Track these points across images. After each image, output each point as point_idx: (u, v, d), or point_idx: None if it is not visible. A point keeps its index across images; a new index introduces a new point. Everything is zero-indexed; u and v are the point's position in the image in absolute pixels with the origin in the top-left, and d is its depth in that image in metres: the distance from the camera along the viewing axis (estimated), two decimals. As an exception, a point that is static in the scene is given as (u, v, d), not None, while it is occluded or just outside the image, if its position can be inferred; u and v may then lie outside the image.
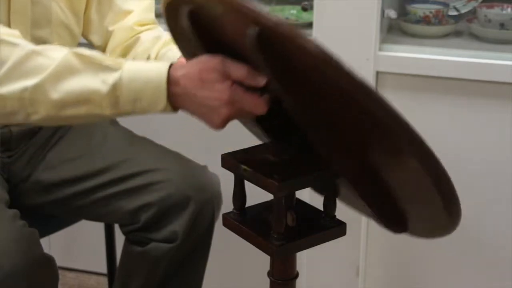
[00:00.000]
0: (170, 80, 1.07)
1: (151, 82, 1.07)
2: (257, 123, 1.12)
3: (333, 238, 1.12)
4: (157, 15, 1.50)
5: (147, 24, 1.49)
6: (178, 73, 1.07)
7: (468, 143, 1.74)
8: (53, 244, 2.03)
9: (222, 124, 1.08)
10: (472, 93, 1.72)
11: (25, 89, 1.08)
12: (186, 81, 1.07)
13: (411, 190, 0.99)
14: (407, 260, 1.88)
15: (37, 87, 1.08)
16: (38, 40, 1.32)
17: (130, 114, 1.11)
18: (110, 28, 1.47)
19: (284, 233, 1.06)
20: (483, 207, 1.78)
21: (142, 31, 1.47)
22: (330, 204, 1.10)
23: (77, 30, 1.43)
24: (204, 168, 1.46)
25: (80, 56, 1.09)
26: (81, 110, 1.09)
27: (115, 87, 1.07)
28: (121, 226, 1.48)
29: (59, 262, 1.36)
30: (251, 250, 1.15)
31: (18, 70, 1.08)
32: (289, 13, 2.02)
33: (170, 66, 1.09)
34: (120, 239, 1.55)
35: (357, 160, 1.01)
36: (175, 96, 1.08)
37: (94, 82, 1.08)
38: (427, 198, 0.96)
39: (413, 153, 0.91)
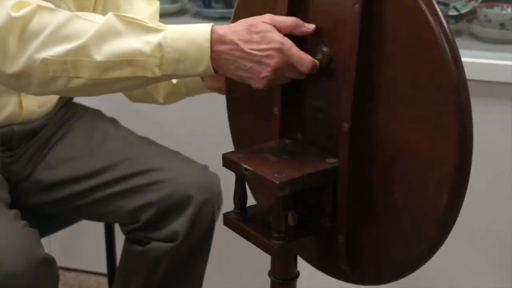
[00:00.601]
0: (214, 39, 1.07)
1: (194, 41, 1.07)
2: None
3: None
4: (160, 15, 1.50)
5: None
6: (223, 31, 1.07)
7: (468, 143, 1.74)
8: (53, 244, 2.03)
9: (269, 77, 1.07)
10: (472, 93, 1.71)
11: (68, 52, 1.07)
12: (233, 36, 1.07)
13: None
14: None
15: (80, 49, 1.07)
16: None
17: (172, 77, 1.11)
18: None
19: (285, 233, 1.06)
20: (483, 207, 1.78)
21: None
22: (330, 204, 1.11)
23: None
24: (205, 167, 1.46)
25: (122, 18, 1.08)
26: (124, 72, 1.08)
27: (158, 48, 1.07)
28: (121, 226, 1.48)
29: (59, 262, 1.36)
30: (252, 250, 1.15)
31: (60, 33, 1.07)
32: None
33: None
34: (120, 239, 1.55)
35: None
36: (219, 55, 1.07)
37: (138, 43, 1.07)
38: None
39: None
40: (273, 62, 1.05)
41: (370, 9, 0.99)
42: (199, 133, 1.90)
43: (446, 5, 1.87)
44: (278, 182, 1.01)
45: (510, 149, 1.72)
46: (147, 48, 1.07)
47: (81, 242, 2.12)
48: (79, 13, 1.10)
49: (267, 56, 1.05)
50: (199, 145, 1.83)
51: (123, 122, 1.57)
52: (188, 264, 1.44)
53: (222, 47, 1.07)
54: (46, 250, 1.27)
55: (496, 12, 1.82)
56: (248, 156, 1.09)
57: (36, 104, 1.42)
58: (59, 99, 1.49)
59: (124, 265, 1.50)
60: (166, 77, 1.10)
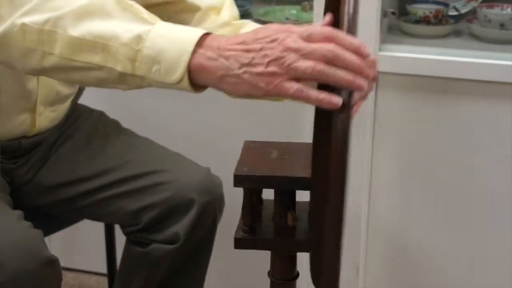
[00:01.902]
0: (203, 43, 0.94)
1: (177, 41, 0.95)
2: None
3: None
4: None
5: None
6: (217, 38, 0.95)
7: (468, 143, 1.74)
8: (53, 244, 2.03)
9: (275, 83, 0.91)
10: (472, 93, 1.72)
11: (47, 21, 0.99)
12: (227, 41, 0.93)
13: None
14: (407, 260, 1.88)
15: (58, 20, 0.98)
16: None
17: (143, 83, 0.98)
18: None
19: (250, 228, 1.07)
20: (483, 207, 1.78)
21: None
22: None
23: None
24: (207, 170, 1.45)
25: (120, 2, 1.00)
26: (96, 58, 0.98)
27: (137, 39, 0.96)
28: (122, 227, 1.48)
29: (59, 262, 1.36)
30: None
31: (50, 3, 1.00)
32: (289, 13, 2.02)
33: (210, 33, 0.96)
34: (120, 239, 1.55)
35: None
36: (205, 63, 0.93)
37: (119, 28, 0.97)
38: None
39: None
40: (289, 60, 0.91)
41: None
42: (201, 135, 1.90)
43: (446, 5, 1.87)
44: (235, 173, 1.02)
45: (510, 149, 1.72)
46: (125, 36, 0.96)
47: (81, 242, 2.12)
48: None
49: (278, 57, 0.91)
50: (201, 147, 1.83)
51: (126, 123, 1.57)
52: (189, 266, 1.44)
53: (209, 53, 0.93)
54: (46, 250, 1.27)
55: (496, 12, 1.82)
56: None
57: (48, 121, 1.42)
58: (68, 110, 1.49)
59: (125, 266, 1.50)
60: (137, 80, 0.98)
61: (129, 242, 1.47)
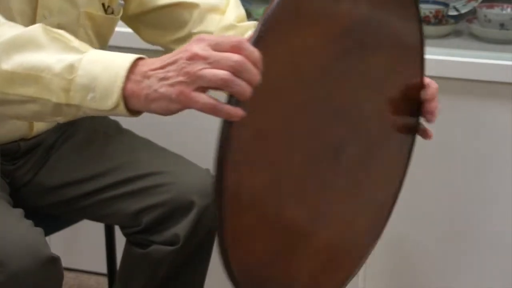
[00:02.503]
0: (135, 69, 0.95)
1: (110, 67, 0.95)
2: None
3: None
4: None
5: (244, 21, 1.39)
6: (148, 61, 0.96)
7: (468, 143, 1.75)
8: (53, 244, 2.02)
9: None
10: (472, 93, 1.72)
11: None
12: (153, 63, 0.94)
13: None
14: (407, 260, 1.88)
15: None
16: None
17: (79, 110, 0.98)
18: (194, 30, 1.39)
19: None
20: (483, 207, 1.78)
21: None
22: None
23: None
24: (207, 171, 1.45)
25: (49, 32, 1.00)
26: (29, 90, 0.98)
27: (69, 69, 0.96)
28: (122, 228, 1.48)
29: (59, 262, 1.36)
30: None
31: None
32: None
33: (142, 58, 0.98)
34: (120, 239, 1.55)
35: None
36: (134, 87, 0.94)
37: (50, 59, 0.97)
38: None
39: None
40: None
41: None
42: (201, 137, 1.89)
43: (446, 5, 1.87)
44: None
45: (510, 149, 1.72)
46: (57, 66, 0.97)
47: (81, 242, 2.12)
48: (11, 23, 1.02)
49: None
50: (202, 148, 1.82)
51: (126, 124, 1.57)
52: (189, 268, 1.44)
53: (138, 77, 0.94)
54: (46, 250, 1.27)
55: (496, 12, 1.82)
56: None
57: (45, 123, 1.42)
58: None
59: (125, 267, 1.50)
60: (72, 109, 0.98)
61: (129, 243, 1.47)
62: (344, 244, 1.17)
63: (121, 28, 1.46)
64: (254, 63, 0.90)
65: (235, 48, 0.90)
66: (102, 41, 1.39)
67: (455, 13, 1.90)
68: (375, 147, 1.16)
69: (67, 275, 2.12)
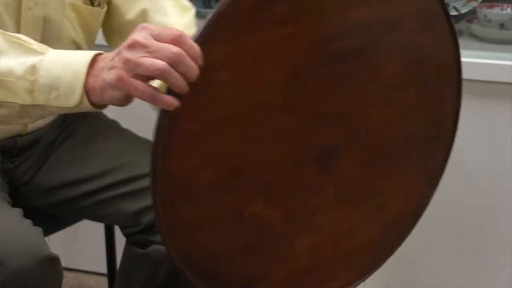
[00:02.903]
0: (94, 65, 0.99)
1: (71, 65, 0.99)
2: None
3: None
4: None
5: None
6: (106, 56, 0.99)
7: (468, 143, 1.74)
8: (53, 244, 2.02)
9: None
10: (472, 93, 1.72)
11: None
12: (107, 56, 0.98)
13: None
14: (407, 260, 1.88)
15: None
16: None
17: (46, 109, 1.02)
18: None
19: None
20: (483, 207, 1.78)
21: None
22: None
23: (86, 48, 1.39)
24: None
25: (7, 36, 1.03)
26: None
27: (31, 70, 1.00)
28: (122, 228, 1.47)
29: (58, 262, 1.36)
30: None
31: None
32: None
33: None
34: (120, 239, 1.55)
35: None
36: (93, 81, 0.98)
37: (12, 62, 1.00)
38: None
39: None
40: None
41: None
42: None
43: (446, 5, 1.87)
44: None
45: (510, 149, 1.72)
46: (19, 69, 0.99)
47: (81, 242, 2.12)
48: None
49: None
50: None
51: (125, 123, 1.57)
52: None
53: (95, 72, 0.98)
54: (46, 250, 1.27)
55: (496, 12, 1.82)
56: None
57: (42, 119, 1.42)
58: None
59: (125, 267, 1.50)
60: (38, 110, 1.01)
61: (129, 243, 1.47)
62: (337, 254, 1.13)
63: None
64: (193, 58, 0.92)
65: (175, 40, 0.92)
66: (88, 35, 1.39)
67: (455, 13, 1.90)
68: (387, 159, 1.14)
69: (67, 275, 2.12)
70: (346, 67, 1.05)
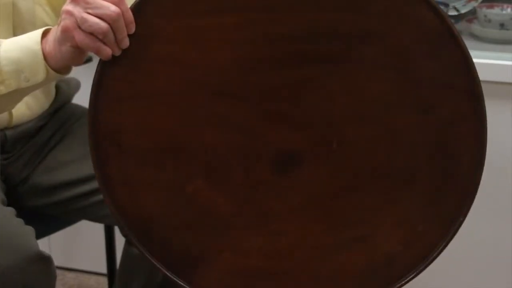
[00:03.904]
0: (46, 37, 1.08)
1: (26, 47, 1.07)
2: None
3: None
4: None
5: None
6: (55, 27, 1.07)
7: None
8: (53, 244, 2.03)
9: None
10: (472, 93, 1.72)
11: None
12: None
13: None
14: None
15: None
16: None
17: (22, 92, 1.11)
18: None
19: None
20: (483, 207, 1.78)
21: None
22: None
23: None
24: None
25: None
26: None
27: None
28: (120, 229, 1.47)
29: (59, 262, 1.36)
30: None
31: None
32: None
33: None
34: (120, 239, 1.55)
35: None
36: (49, 49, 1.07)
37: None
38: None
39: None
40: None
41: None
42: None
43: (446, 5, 1.87)
44: None
45: (510, 149, 1.72)
46: None
47: (81, 242, 2.12)
48: None
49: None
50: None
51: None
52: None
53: (49, 39, 1.07)
54: (46, 250, 1.27)
55: (496, 12, 1.82)
56: None
57: (24, 107, 1.41)
58: (53, 101, 1.48)
59: (124, 267, 1.50)
60: (15, 95, 1.11)
61: (128, 243, 1.47)
62: (301, 271, 1.08)
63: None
64: (127, 22, 1.01)
65: (115, 1, 1.00)
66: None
67: (455, 13, 1.90)
68: (376, 190, 1.05)
69: (67, 275, 2.12)
70: (309, 72, 1.02)
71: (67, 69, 1.12)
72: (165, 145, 1.05)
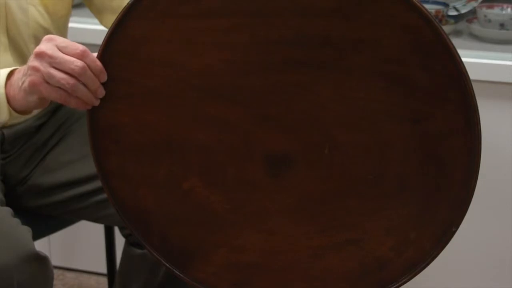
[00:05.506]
0: (10, 79, 1.10)
1: None
2: None
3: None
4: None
5: None
6: (20, 70, 1.09)
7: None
8: (53, 244, 2.03)
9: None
10: (472, 93, 1.72)
11: None
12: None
13: None
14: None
15: None
16: (16, 43, 1.32)
17: None
18: None
19: None
20: (482, 207, 1.78)
21: None
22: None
23: (56, 33, 1.37)
24: None
25: None
26: None
27: None
28: (120, 229, 1.48)
29: (59, 262, 1.36)
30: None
31: None
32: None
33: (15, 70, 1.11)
34: (120, 238, 1.55)
35: None
36: (12, 94, 1.10)
37: None
38: None
39: None
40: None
41: None
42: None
43: (446, 5, 1.87)
44: None
45: (510, 149, 1.72)
46: None
47: (81, 242, 2.12)
48: None
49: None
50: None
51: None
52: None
53: (13, 85, 1.10)
54: (46, 250, 1.27)
55: (496, 12, 1.82)
56: None
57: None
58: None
59: (124, 267, 1.50)
60: None
61: (128, 244, 1.47)
62: (293, 269, 1.09)
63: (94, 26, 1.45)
64: (95, 72, 1.02)
65: (79, 55, 1.02)
66: (56, 19, 1.38)
67: (455, 13, 1.90)
68: (367, 197, 1.05)
69: (67, 275, 2.12)
70: (300, 78, 1.02)
71: (30, 112, 1.16)
72: (161, 142, 1.07)
